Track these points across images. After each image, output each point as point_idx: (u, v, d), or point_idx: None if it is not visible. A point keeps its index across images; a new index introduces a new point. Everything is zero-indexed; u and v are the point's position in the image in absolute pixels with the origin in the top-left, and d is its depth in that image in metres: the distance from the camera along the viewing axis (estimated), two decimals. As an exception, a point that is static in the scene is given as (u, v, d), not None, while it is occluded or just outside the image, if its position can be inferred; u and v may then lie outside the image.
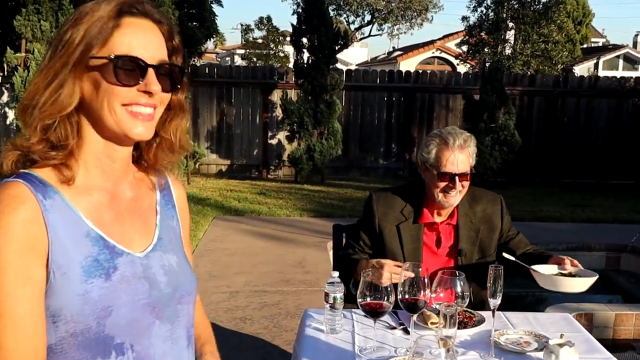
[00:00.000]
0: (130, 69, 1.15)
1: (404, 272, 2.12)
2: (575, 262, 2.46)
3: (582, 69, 22.04)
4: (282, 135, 11.35)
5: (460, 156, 2.57)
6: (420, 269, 2.07)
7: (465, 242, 2.68)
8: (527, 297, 5.68)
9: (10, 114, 10.14)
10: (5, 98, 10.32)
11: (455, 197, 2.61)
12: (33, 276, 1.09)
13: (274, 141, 11.75)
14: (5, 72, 9.97)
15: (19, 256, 1.08)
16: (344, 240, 3.17)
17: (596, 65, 23.88)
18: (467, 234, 2.69)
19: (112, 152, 1.22)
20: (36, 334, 1.10)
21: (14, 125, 9.66)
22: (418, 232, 2.69)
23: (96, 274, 1.14)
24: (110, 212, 1.22)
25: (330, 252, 5.91)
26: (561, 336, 1.96)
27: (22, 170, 1.16)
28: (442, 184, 2.59)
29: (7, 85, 10.12)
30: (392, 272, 2.22)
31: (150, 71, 1.17)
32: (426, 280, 2.07)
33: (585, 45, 24.50)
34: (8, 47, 9.26)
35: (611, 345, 3.76)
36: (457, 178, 2.57)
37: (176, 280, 1.28)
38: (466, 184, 2.62)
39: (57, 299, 1.11)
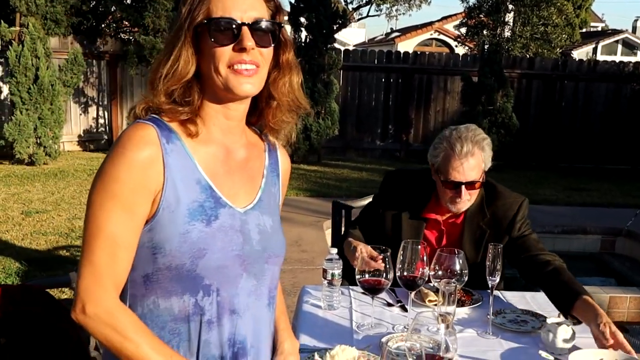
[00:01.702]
0: (224, 29, 1.24)
1: (373, 264, 2.03)
2: (619, 336, 1.87)
3: (580, 53, 21.96)
4: (279, 115, 11.28)
5: (468, 164, 2.37)
6: (419, 247, 2.06)
7: (468, 244, 2.51)
8: (522, 278, 5.70)
9: (5, 89, 10.04)
10: (-1, 72, 10.22)
11: (464, 204, 2.44)
12: (137, 211, 1.23)
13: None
14: (0, 47, 9.86)
15: (131, 191, 1.21)
16: (343, 219, 3.16)
17: (595, 50, 23.80)
18: (472, 237, 2.52)
19: (227, 111, 1.32)
20: (124, 260, 1.23)
21: (9, 100, 9.56)
22: (419, 226, 2.56)
23: (199, 218, 1.26)
24: (223, 166, 1.33)
25: (327, 231, 5.91)
26: (559, 315, 1.96)
27: (154, 115, 1.29)
28: (449, 192, 2.42)
29: (1, 60, 10.00)
30: (364, 261, 2.07)
31: (244, 29, 1.24)
32: (425, 258, 2.06)
33: (584, 30, 24.40)
34: (2, 21, 9.13)
35: (606, 326, 3.77)
36: (463, 187, 2.38)
37: (267, 240, 1.37)
38: (474, 192, 2.44)
39: (161, 233, 1.24)
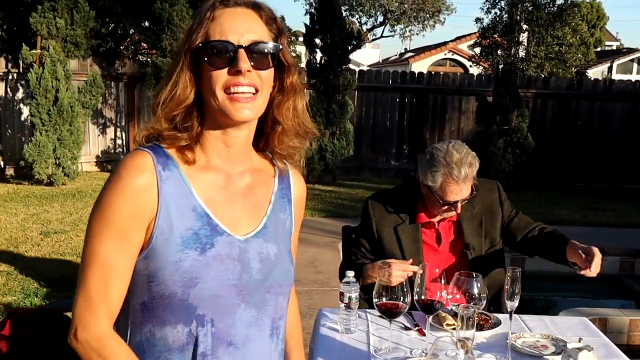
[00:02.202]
0: (220, 52, 1.22)
1: (410, 268, 2.16)
2: (596, 253, 2.31)
3: (596, 73, 21.89)
4: (294, 135, 11.33)
5: (466, 187, 2.56)
6: (437, 270, 2.07)
7: (471, 236, 2.68)
8: (538, 301, 5.65)
9: (26, 111, 10.19)
10: (20, 94, 10.38)
11: (455, 212, 2.64)
12: (132, 238, 1.22)
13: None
14: (21, 69, 10.01)
15: (125, 219, 1.21)
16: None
17: (610, 69, 23.71)
18: (472, 228, 2.69)
19: (227, 138, 1.30)
20: (117, 287, 1.23)
21: (29, 121, 9.71)
22: (416, 232, 2.69)
23: (193, 246, 1.24)
24: (223, 194, 1.31)
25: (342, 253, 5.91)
26: (579, 340, 1.95)
27: (155, 143, 1.28)
28: (445, 208, 2.61)
29: (23, 82, 10.17)
30: (401, 270, 2.22)
31: (241, 52, 1.23)
32: (442, 281, 2.06)
33: (599, 49, 24.37)
34: (24, 44, 9.31)
35: (626, 351, 3.69)
36: (459, 203, 2.58)
37: (270, 269, 1.32)
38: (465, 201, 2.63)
39: (155, 261, 1.23)
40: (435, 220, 2.70)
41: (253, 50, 1.23)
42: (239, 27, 1.24)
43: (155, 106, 1.27)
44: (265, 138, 1.37)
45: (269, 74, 1.27)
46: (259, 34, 1.26)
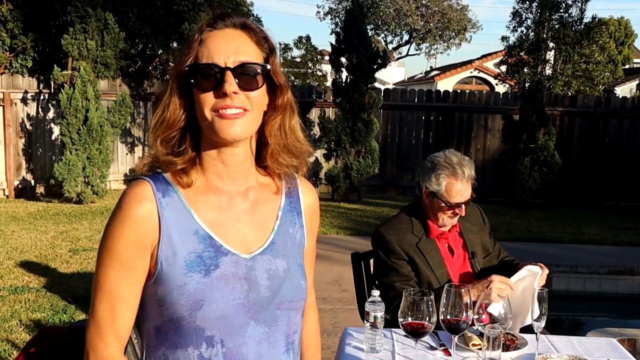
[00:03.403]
0: (206, 75, 1.22)
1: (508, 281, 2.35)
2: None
3: (623, 90, 21.63)
4: (319, 153, 11.39)
5: (469, 186, 2.69)
6: (462, 290, 2.06)
7: (473, 244, 2.82)
8: (565, 320, 5.57)
9: (56, 130, 10.41)
10: (51, 114, 10.60)
11: (458, 217, 2.76)
12: (134, 266, 1.25)
13: (311, 159, 11.74)
14: (52, 89, 10.25)
15: (126, 248, 1.24)
16: (363, 270, 3.17)
17: (638, 86, 23.38)
18: (472, 237, 2.84)
19: (224, 157, 1.29)
20: (124, 314, 1.26)
21: (59, 140, 9.91)
22: (434, 245, 2.78)
23: (196, 269, 1.24)
24: (226, 213, 1.31)
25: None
26: (607, 361, 1.93)
27: (157, 170, 1.30)
28: (449, 212, 2.70)
29: (54, 102, 10.40)
30: (502, 282, 2.41)
31: (227, 73, 1.22)
32: (469, 301, 2.05)
33: (627, 66, 24.10)
34: (55, 65, 9.53)
35: (656, 372, 3.65)
36: (463, 205, 2.69)
37: (279, 285, 1.31)
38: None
39: (162, 286, 1.25)
40: (445, 230, 2.78)
41: (240, 71, 1.22)
42: (225, 49, 1.23)
43: (151, 131, 1.29)
44: (263, 155, 1.36)
45: (258, 94, 1.26)
46: (247, 54, 1.24)
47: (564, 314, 5.58)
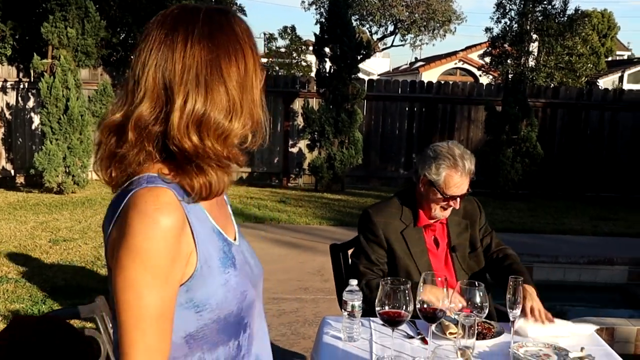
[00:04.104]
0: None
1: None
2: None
3: (606, 82, 21.81)
4: (303, 144, 11.37)
5: (467, 179, 2.67)
6: (439, 279, 2.06)
7: (456, 238, 2.79)
8: (546, 310, 5.60)
9: (36, 119, 10.29)
10: (31, 103, 10.48)
11: (451, 210, 2.73)
12: (176, 280, 1.17)
13: (294, 149, 11.79)
14: (32, 78, 10.12)
15: (171, 264, 1.15)
16: (342, 261, 3.18)
17: (621, 79, 23.61)
18: (458, 231, 2.81)
19: None
20: (171, 332, 1.18)
21: (39, 130, 9.79)
22: (420, 235, 2.76)
23: (228, 263, 1.25)
24: (216, 206, 1.31)
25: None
26: (581, 349, 1.94)
27: (149, 174, 1.19)
28: (444, 203, 2.68)
29: (34, 91, 10.28)
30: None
31: None
32: (445, 290, 2.06)
33: (610, 58, 24.30)
34: (35, 54, 9.40)
35: (633, 360, 3.70)
36: (458, 199, 2.67)
37: (257, 261, 1.40)
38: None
39: (202, 290, 1.20)
40: (433, 221, 2.76)
41: None
42: None
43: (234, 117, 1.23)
44: None
45: None
46: None
47: (544, 304, 5.61)
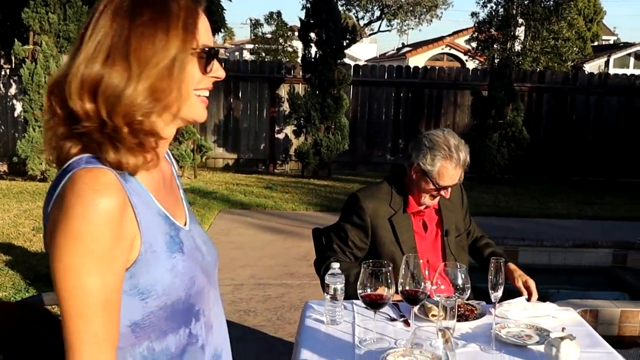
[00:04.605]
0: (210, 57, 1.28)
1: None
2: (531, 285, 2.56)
3: (592, 67, 21.87)
4: (289, 130, 11.33)
5: (460, 171, 2.64)
6: (420, 261, 2.05)
7: (447, 222, 2.80)
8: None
9: (18, 106, 10.16)
10: (13, 90, 10.34)
11: (444, 197, 2.72)
12: (122, 264, 1.11)
13: (281, 135, 11.74)
14: (14, 65, 9.99)
15: (113, 247, 1.08)
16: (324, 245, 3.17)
17: (607, 63, 23.68)
18: (448, 215, 2.82)
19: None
20: (118, 318, 1.12)
21: (22, 117, 9.68)
22: (408, 221, 2.75)
23: (175, 248, 1.20)
24: (164, 189, 1.26)
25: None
26: (562, 329, 1.94)
27: (89, 155, 1.13)
28: (435, 192, 2.66)
29: (15, 78, 10.14)
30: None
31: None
32: (427, 272, 2.05)
33: (596, 43, 24.35)
34: (16, 40, 9.26)
35: (616, 341, 3.71)
36: (450, 188, 2.66)
37: (210, 248, 1.35)
38: None
39: (147, 276, 1.15)
40: (423, 207, 2.75)
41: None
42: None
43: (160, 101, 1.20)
44: None
45: None
46: None
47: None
